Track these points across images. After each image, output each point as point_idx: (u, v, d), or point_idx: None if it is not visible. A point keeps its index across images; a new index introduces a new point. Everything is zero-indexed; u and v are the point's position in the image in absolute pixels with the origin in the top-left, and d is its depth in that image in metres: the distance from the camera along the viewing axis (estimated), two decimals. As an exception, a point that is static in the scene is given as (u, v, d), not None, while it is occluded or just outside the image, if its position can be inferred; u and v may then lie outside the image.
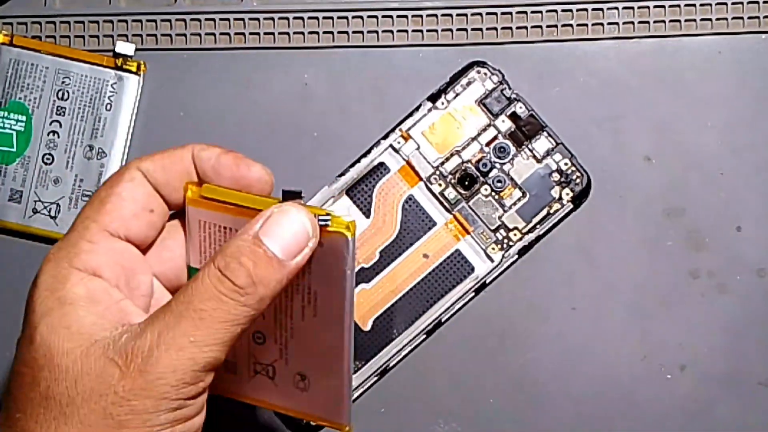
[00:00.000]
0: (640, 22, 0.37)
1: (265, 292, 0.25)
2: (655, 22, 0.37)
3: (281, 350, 0.29)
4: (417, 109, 0.37)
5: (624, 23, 0.37)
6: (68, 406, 0.24)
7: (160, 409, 0.24)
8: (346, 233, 0.26)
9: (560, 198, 0.36)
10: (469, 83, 0.37)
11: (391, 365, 0.36)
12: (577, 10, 0.37)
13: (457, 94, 0.37)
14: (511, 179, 0.36)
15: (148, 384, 0.24)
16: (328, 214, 0.26)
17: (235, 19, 0.38)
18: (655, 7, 0.37)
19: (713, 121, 0.37)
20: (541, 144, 0.36)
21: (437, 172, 0.36)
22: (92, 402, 0.24)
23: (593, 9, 0.37)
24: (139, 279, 0.28)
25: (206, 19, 0.38)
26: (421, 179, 0.36)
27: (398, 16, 0.38)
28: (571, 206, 0.36)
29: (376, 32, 0.38)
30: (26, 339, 0.26)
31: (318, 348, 0.28)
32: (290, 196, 0.27)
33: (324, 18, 0.38)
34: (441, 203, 0.36)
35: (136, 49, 0.37)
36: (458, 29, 0.37)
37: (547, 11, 0.37)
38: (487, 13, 0.37)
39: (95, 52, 0.37)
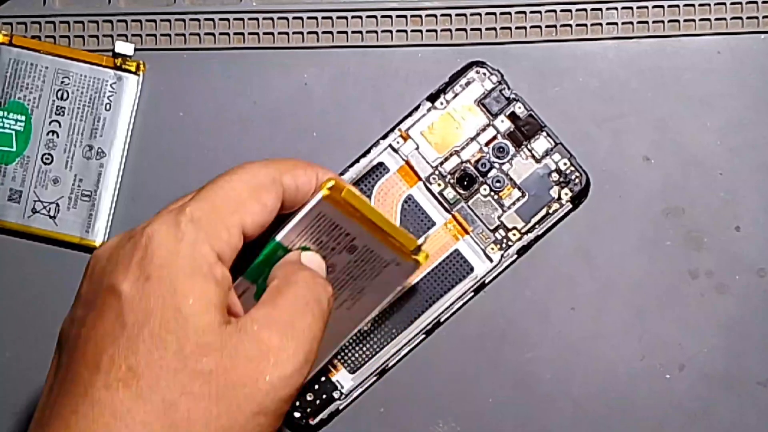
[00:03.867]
0: (639, 22, 0.37)
1: None
2: (654, 22, 0.37)
3: None
4: (416, 109, 0.37)
5: (623, 23, 0.37)
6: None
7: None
8: (420, 262, 0.31)
9: (559, 198, 0.36)
10: (468, 83, 0.37)
11: (390, 365, 0.36)
12: (576, 11, 0.37)
13: (456, 94, 0.37)
14: (510, 179, 0.36)
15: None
16: (420, 246, 0.31)
17: (235, 19, 0.38)
18: (654, 7, 0.37)
19: (712, 121, 0.37)
20: (540, 144, 0.36)
21: (436, 172, 0.36)
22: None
23: (592, 9, 0.37)
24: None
25: (206, 19, 0.38)
26: (420, 179, 0.36)
27: (397, 16, 0.38)
28: (570, 206, 0.36)
29: (375, 32, 0.38)
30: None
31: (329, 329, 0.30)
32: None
33: (323, 18, 0.38)
34: (440, 203, 0.36)
35: (136, 49, 0.37)
36: (457, 29, 0.38)
37: (546, 11, 0.37)
38: (486, 14, 0.37)
39: (95, 52, 0.38)
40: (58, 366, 0.26)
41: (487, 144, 0.37)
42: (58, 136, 0.37)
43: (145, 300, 0.25)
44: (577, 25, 0.37)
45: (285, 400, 0.26)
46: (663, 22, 0.37)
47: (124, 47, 0.37)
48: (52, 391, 0.26)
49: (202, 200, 0.27)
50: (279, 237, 0.30)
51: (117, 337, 0.24)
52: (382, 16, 0.38)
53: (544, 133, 0.36)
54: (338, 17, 0.38)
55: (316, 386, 0.36)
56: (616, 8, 0.37)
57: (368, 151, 0.37)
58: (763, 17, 0.37)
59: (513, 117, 0.37)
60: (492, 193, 0.36)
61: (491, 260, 0.36)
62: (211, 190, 0.27)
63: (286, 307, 0.27)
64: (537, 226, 0.36)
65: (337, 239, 0.31)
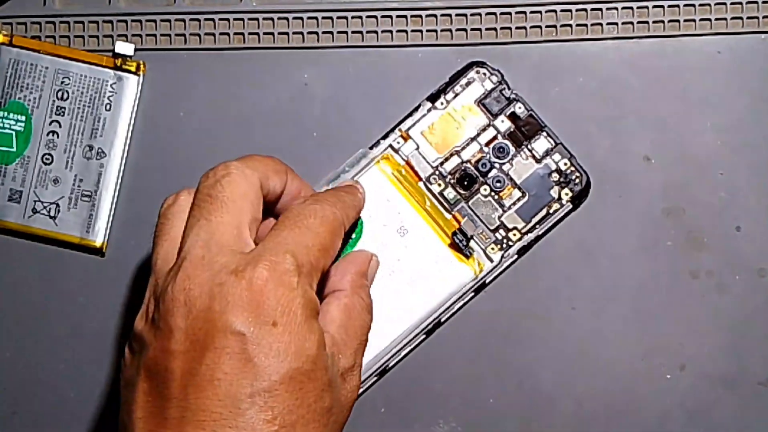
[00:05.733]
0: (639, 22, 0.37)
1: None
2: (654, 22, 0.37)
3: None
4: (416, 109, 0.37)
5: (623, 23, 0.37)
6: None
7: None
8: (474, 272, 0.36)
9: (559, 198, 0.36)
10: (468, 83, 0.37)
11: (390, 365, 0.36)
12: (577, 11, 0.37)
13: (457, 94, 0.37)
14: (511, 179, 0.36)
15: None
16: (467, 236, 0.35)
17: (235, 20, 0.38)
18: (654, 7, 0.37)
19: (713, 121, 0.37)
20: (541, 144, 0.36)
21: (437, 172, 0.36)
22: None
23: (592, 9, 0.37)
24: None
25: (206, 19, 0.38)
26: (420, 179, 0.36)
27: (397, 17, 0.38)
28: (571, 206, 0.36)
29: (376, 32, 0.38)
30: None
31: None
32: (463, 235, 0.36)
33: (323, 18, 0.38)
34: (440, 203, 0.36)
35: (136, 49, 0.37)
36: (457, 29, 0.38)
37: (547, 11, 0.37)
38: (487, 14, 0.37)
39: (95, 52, 0.38)
40: (158, 396, 0.27)
41: (487, 144, 0.37)
42: (58, 137, 0.37)
43: (276, 344, 0.27)
44: (577, 25, 0.37)
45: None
46: (663, 22, 0.37)
47: (124, 47, 0.37)
48: (162, 421, 0.27)
49: (299, 243, 0.29)
50: None
51: (253, 379, 0.27)
52: (382, 16, 0.38)
53: (545, 133, 0.36)
54: (338, 17, 0.38)
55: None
56: (616, 8, 0.37)
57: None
58: (764, 17, 0.37)
59: (513, 117, 0.37)
60: (492, 194, 0.36)
61: (491, 260, 0.36)
62: (300, 231, 0.29)
63: (353, 335, 0.31)
64: (537, 226, 0.36)
65: (388, 215, 0.35)
